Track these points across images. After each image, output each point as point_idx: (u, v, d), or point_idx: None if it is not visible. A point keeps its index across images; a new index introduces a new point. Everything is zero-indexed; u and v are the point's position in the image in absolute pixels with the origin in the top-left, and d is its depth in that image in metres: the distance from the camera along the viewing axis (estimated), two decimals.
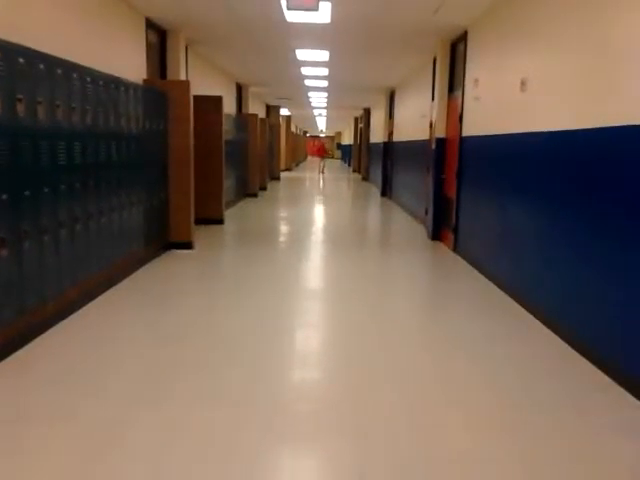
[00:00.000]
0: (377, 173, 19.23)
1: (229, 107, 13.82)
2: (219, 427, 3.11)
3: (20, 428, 3.05)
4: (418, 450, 2.94)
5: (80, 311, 5.06)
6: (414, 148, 12.25)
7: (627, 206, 3.74)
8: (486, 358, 4.24)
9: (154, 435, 3.01)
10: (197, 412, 3.27)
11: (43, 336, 4.39)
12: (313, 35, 9.10)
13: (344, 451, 2.92)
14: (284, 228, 11.33)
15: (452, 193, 8.46)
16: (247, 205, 14.45)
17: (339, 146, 60.81)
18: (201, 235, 8.90)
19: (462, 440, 3.04)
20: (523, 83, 5.64)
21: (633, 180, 3.67)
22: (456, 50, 8.80)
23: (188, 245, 8.03)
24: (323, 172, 29.95)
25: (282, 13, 7.39)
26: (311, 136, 60.92)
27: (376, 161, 19.94)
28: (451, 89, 8.95)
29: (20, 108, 4.07)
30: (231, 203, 13.17)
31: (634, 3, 3.74)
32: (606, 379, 3.83)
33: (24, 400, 3.39)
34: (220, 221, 10.63)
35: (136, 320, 4.99)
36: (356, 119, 31.68)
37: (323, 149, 33.13)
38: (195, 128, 8.28)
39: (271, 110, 24.03)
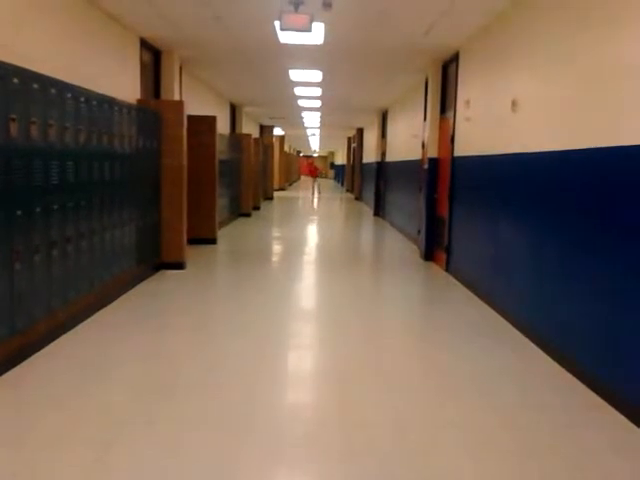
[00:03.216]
0: (370, 193, 19.29)
1: (223, 127, 13.87)
2: (212, 449, 3.07)
3: (11, 450, 3.00)
4: (415, 472, 2.91)
5: (71, 331, 5.01)
6: (407, 168, 12.31)
7: (621, 226, 3.77)
8: (480, 379, 4.22)
9: (146, 457, 2.97)
10: (188, 434, 3.24)
11: (34, 357, 4.34)
12: (306, 56, 9.18)
13: (339, 474, 2.89)
14: (277, 248, 11.33)
15: (444, 213, 8.49)
16: (240, 225, 14.45)
17: (332, 166, 61.03)
18: (193, 255, 8.88)
19: (459, 462, 3.02)
20: (514, 104, 5.69)
21: (626, 201, 3.70)
22: (448, 71, 8.89)
23: (180, 265, 8.00)
24: (319, 192, 29.16)
25: (276, 34, 7.46)
26: (304, 156, 61.16)
27: (369, 181, 20.02)
28: (443, 109, 9.02)
29: (13, 128, 4.07)
30: (224, 223, 13.16)
31: (625, 23, 3.80)
32: (599, 400, 3.82)
33: (15, 422, 3.34)
34: (213, 241, 10.61)
35: (127, 341, 4.95)
36: (349, 139, 31.85)
37: (315, 169, 32.51)
38: (189, 148, 8.30)
39: (265, 130, 24.14)
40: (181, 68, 9.38)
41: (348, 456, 3.05)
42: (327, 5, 5.94)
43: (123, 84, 7.15)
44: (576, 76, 4.45)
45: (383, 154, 16.83)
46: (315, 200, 25.45)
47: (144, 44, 7.93)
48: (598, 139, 4.05)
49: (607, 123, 3.96)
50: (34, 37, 4.93)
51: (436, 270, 8.58)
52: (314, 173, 31.42)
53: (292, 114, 19.43)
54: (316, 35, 7.39)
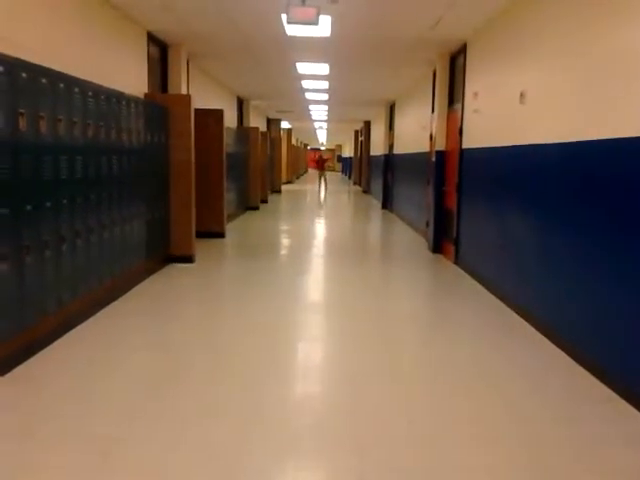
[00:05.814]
0: (378, 185, 19.26)
1: (230, 120, 13.87)
2: (221, 441, 3.09)
3: (22, 444, 3.03)
4: (422, 463, 2.92)
5: (81, 326, 5.04)
6: (414, 160, 12.28)
7: (629, 217, 3.75)
8: (489, 371, 4.22)
9: (155, 451, 2.99)
10: (198, 427, 3.26)
11: (44, 351, 4.37)
12: (313, 49, 9.16)
13: (347, 465, 2.90)
14: (285, 241, 11.34)
15: (453, 205, 8.47)
16: (248, 218, 14.46)
17: (340, 159, 60.98)
18: (202, 248, 8.89)
19: (468, 453, 3.02)
20: (522, 95, 5.66)
21: (634, 191, 3.68)
22: (456, 63, 8.84)
23: (189, 259, 8.02)
24: (326, 186, 27.59)
25: (282, 27, 7.44)
26: (312, 149, 61.08)
27: (377, 174, 19.97)
28: (451, 101, 8.98)
29: (22, 122, 4.09)
30: (232, 216, 13.18)
31: (634, 14, 3.77)
32: (608, 391, 3.81)
33: (25, 416, 3.37)
34: (221, 234, 10.63)
35: (137, 334, 4.98)
36: (356, 132, 31.79)
37: (323, 160, 29.43)
38: (196, 141, 8.30)
39: (272, 123, 24.12)
40: (188, 62, 9.38)
41: (358, 447, 3.06)
42: None
43: (130, 78, 7.16)
44: (585, 67, 4.41)
45: (391, 147, 16.78)
46: (322, 193, 25.34)
47: (151, 38, 7.93)
48: (607, 131, 4.02)
49: (616, 114, 3.93)
50: (41, 31, 4.94)
51: (445, 262, 8.56)
52: (321, 165, 28.92)
53: (299, 107, 19.40)
54: (323, 28, 7.37)
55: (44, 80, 4.42)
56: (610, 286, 3.95)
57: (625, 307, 3.75)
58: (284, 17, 6.73)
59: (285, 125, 28.11)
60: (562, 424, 3.38)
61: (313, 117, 24.46)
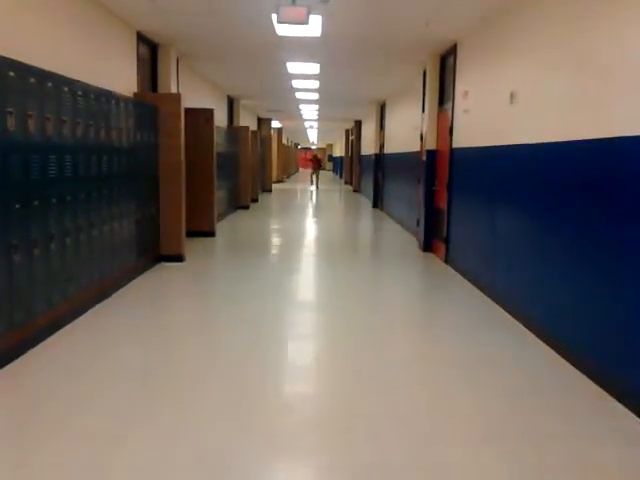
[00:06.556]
0: (369, 185, 19.28)
1: (220, 120, 13.84)
2: (213, 441, 3.09)
3: (11, 444, 3.02)
4: (412, 462, 2.93)
5: (70, 325, 5.02)
6: (405, 160, 12.30)
7: (618, 216, 3.77)
8: (479, 370, 4.24)
9: (147, 449, 2.99)
10: (189, 426, 3.25)
11: (33, 350, 4.35)
12: (304, 48, 9.15)
13: (338, 464, 2.91)
14: (276, 240, 11.34)
15: (443, 204, 8.50)
16: (239, 217, 14.45)
17: (330, 158, 61.04)
18: (192, 247, 8.88)
19: (458, 451, 3.04)
20: (512, 96, 5.69)
21: (624, 190, 3.71)
22: (446, 63, 8.87)
23: (179, 258, 8.00)
24: (317, 185, 27.90)
25: (273, 27, 7.43)
26: (303, 148, 61.07)
27: (367, 173, 20.00)
28: (441, 101, 9.01)
29: (10, 122, 4.06)
30: (222, 215, 13.16)
31: (622, 15, 3.80)
32: (598, 389, 3.84)
33: (14, 415, 3.36)
34: (211, 233, 10.61)
35: (127, 333, 4.96)
36: (347, 131, 31.79)
37: (318, 160, 29.63)
38: (186, 141, 8.28)
39: (262, 122, 24.08)
40: (178, 61, 9.36)
41: (347, 445, 3.07)
42: None
43: (120, 77, 7.13)
44: (574, 68, 4.44)
45: (381, 146, 16.81)
46: (314, 192, 25.37)
47: (141, 37, 7.90)
48: (596, 131, 4.05)
49: (605, 114, 3.96)
50: (30, 31, 4.91)
51: (435, 261, 8.59)
52: (316, 165, 29.08)
53: (290, 106, 19.38)
54: (313, 28, 7.37)
55: (32, 79, 4.39)
56: (600, 284, 3.97)
57: (615, 305, 3.78)
58: (274, 17, 6.73)
59: (276, 124, 28.07)
60: (550, 420, 3.40)
61: (304, 116, 24.45)
